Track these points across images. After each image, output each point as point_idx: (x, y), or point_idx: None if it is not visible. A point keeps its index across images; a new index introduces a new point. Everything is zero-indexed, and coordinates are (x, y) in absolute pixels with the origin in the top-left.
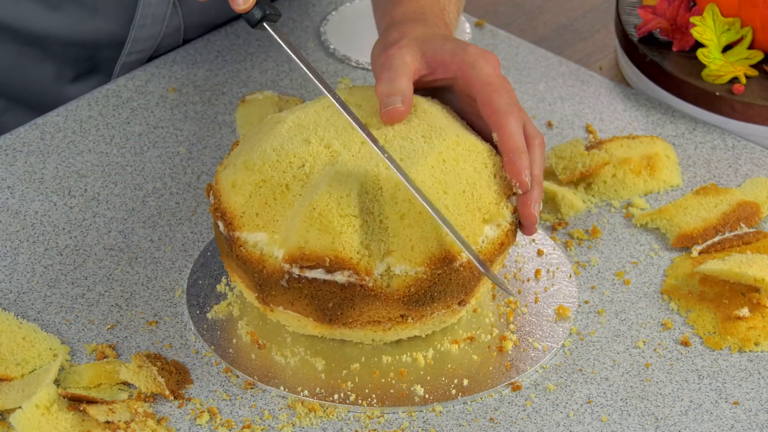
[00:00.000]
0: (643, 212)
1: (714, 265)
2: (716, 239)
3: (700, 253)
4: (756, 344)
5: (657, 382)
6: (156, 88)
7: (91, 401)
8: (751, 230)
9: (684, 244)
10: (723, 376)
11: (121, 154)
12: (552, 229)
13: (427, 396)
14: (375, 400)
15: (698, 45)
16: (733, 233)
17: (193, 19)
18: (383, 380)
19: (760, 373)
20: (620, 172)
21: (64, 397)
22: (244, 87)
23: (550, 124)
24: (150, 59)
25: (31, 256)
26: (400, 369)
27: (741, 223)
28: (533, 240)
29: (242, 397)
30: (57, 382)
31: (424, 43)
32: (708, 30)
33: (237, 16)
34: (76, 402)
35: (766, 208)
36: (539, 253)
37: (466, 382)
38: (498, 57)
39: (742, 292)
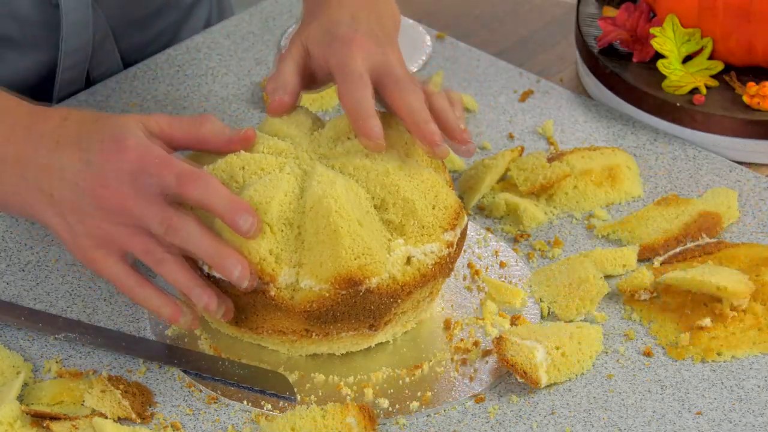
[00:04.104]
0: (604, 223)
1: (676, 274)
2: (678, 250)
3: (662, 263)
4: (718, 354)
5: (620, 393)
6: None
7: (55, 417)
8: (713, 240)
9: (646, 255)
10: (686, 387)
11: None
12: (514, 240)
13: (390, 409)
14: None
15: (658, 56)
16: (694, 243)
17: (116, 18)
18: (347, 393)
19: (722, 383)
20: (581, 184)
21: (27, 414)
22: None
23: (511, 136)
24: (88, 79)
25: None
26: (363, 382)
27: (702, 234)
28: (496, 252)
29: (206, 412)
30: (20, 398)
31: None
32: (668, 41)
33: (158, 13)
34: (39, 418)
35: (727, 218)
36: (502, 265)
37: (429, 394)
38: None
39: (705, 302)
